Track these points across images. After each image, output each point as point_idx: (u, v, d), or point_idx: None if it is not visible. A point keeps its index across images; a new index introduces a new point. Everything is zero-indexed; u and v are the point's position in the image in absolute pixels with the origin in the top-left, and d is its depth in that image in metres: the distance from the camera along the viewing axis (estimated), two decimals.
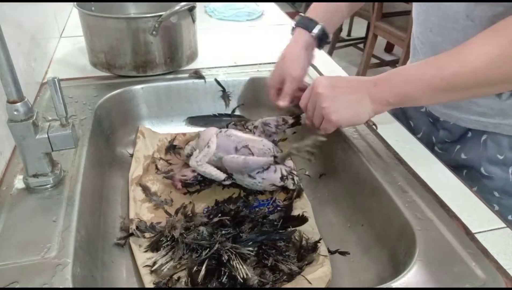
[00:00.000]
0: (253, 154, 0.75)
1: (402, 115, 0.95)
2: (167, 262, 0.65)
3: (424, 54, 0.81)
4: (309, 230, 0.72)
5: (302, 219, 0.72)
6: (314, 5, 0.83)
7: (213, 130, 0.81)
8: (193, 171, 0.79)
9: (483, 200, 0.66)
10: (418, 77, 0.60)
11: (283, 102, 0.78)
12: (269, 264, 0.64)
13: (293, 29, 0.82)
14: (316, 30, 0.79)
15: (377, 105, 0.64)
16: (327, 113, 0.66)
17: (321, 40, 0.82)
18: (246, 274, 0.61)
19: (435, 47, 0.76)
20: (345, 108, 0.66)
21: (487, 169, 0.78)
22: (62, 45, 1.17)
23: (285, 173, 0.76)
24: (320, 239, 0.70)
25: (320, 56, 1.10)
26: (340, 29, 3.48)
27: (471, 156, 0.80)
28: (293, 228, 0.70)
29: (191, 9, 0.98)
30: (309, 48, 0.81)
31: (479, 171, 0.79)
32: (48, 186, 0.64)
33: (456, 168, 0.76)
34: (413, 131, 0.91)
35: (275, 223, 0.70)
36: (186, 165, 0.84)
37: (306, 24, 0.80)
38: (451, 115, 0.81)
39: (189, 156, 0.83)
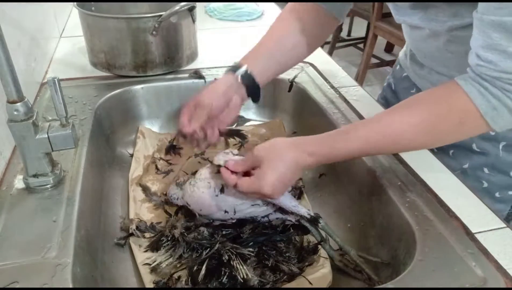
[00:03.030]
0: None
1: (392, 94, 0.98)
2: (166, 259, 0.65)
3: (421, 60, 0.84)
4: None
5: (304, 230, 0.71)
6: (246, 55, 0.81)
7: (211, 208, 0.69)
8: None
9: (483, 200, 0.66)
10: (343, 150, 0.62)
11: (188, 129, 0.74)
12: (269, 265, 0.64)
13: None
14: (240, 72, 0.77)
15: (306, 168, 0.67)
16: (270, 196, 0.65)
17: (249, 82, 0.78)
18: (246, 274, 0.61)
19: (428, 63, 0.81)
20: (286, 186, 0.65)
21: (479, 145, 0.78)
22: (62, 45, 1.17)
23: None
24: (321, 241, 0.69)
25: (320, 56, 1.11)
26: (340, 29, 3.47)
27: None
28: (294, 230, 0.70)
29: (191, 9, 0.98)
30: (232, 87, 0.77)
31: (470, 148, 0.79)
32: (48, 186, 0.64)
33: (443, 149, 0.77)
34: None
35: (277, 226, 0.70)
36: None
37: (233, 68, 0.78)
38: None
39: (170, 198, 0.77)
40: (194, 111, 0.75)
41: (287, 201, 0.68)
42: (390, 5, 0.78)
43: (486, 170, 0.79)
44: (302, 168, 0.63)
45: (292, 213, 0.69)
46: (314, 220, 0.69)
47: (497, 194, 0.79)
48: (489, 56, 0.53)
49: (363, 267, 0.65)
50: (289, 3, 0.84)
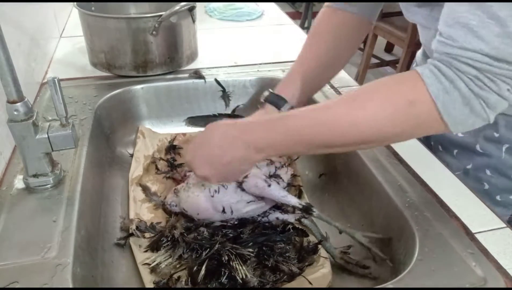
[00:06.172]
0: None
1: None
2: (166, 260, 0.65)
3: None
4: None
5: (303, 233, 0.71)
6: (284, 81, 0.80)
7: (208, 210, 0.69)
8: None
9: (483, 200, 0.66)
10: (280, 137, 0.59)
11: None
12: (269, 265, 0.64)
13: (261, 104, 0.78)
14: (284, 109, 0.76)
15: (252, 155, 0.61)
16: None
17: None
18: (246, 275, 0.61)
19: None
20: (211, 163, 0.63)
21: (482, 146, 0.78)
22: (62, 45, 1.17)
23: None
24: (321, 241, 0.70)
25: None
26: None
27: (467, 134, 0.80)
28: (294, 230, 0.70)
29: (191, 9, 0.98)
30: None
31: (473, 149, 0.79)
32: (48, 186, 0.64)
33: (447, 148, 0.75)
34: None
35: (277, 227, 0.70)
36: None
37: (276, 102, 0.77)
38: None
39: (169, 207, 0.75)
40: None
41: (276, 191, 0.68)
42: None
43: (488, 172, 0.79)
44: (237, 147, 0.59)
45: (282, 204, 0.69)
46: (307, 209, 0.67)
47: (498, 197, 0.79)
48: (450, 31, 0.50)
49: (369, 246, 0.64)
50: (320, 12, 0.83)
